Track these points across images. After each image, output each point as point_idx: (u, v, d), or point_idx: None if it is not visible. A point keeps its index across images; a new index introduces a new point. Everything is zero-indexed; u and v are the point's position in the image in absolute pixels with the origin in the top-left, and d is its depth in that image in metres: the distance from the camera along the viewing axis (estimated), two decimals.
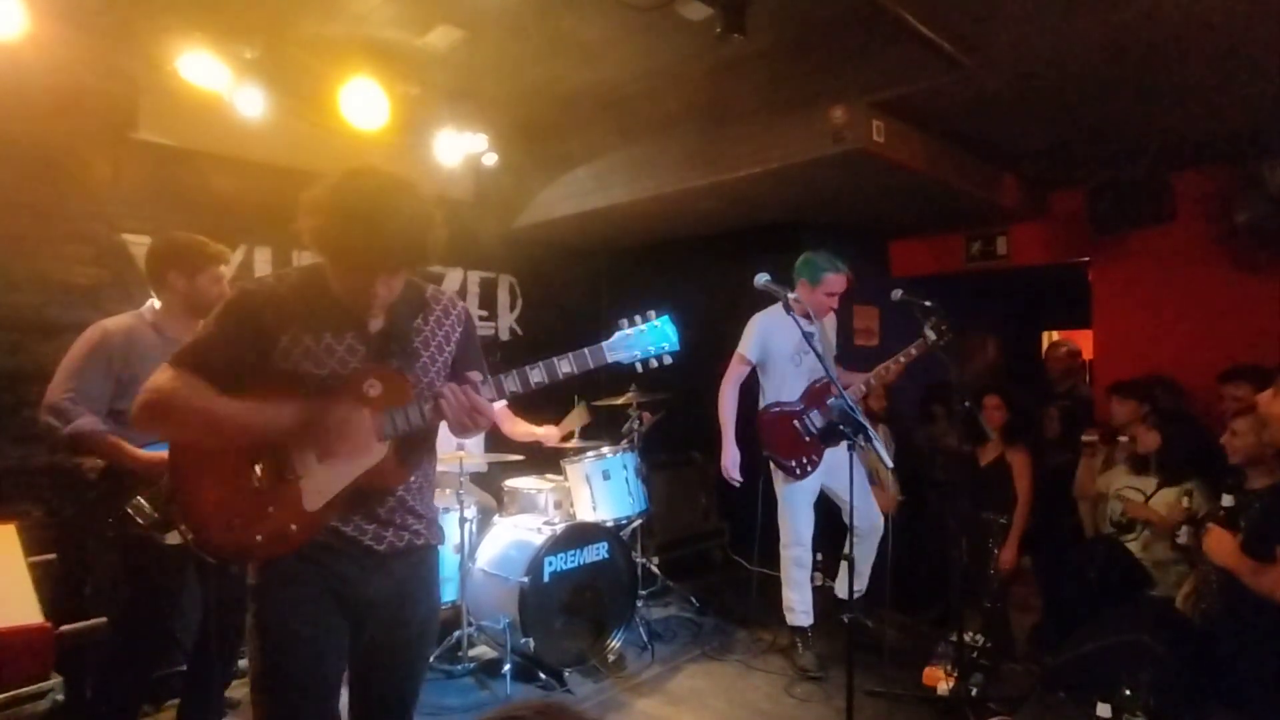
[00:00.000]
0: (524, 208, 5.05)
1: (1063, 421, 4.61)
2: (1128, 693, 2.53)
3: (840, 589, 3.64)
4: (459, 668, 3.44)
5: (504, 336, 5.40)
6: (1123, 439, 3.67)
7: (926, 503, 4.42)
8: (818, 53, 3.36)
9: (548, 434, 3.94)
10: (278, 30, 3.18)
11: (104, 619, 2.87)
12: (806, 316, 3.31)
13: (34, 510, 3.21)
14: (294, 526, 1.55)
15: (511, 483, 4.02)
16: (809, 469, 3.52)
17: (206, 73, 3.17)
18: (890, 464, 2.71)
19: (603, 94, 3.85)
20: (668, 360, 1.75)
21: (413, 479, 1.71)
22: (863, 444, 2.59)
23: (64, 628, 2.78)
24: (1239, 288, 4.34)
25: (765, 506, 3.83)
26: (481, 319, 5.28)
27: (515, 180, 4.83)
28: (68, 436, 2.32)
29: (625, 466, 3.92)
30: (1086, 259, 5.04)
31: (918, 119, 3.74)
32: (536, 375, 1.66)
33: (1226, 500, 2.74)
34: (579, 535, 3.53)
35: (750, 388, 3.69)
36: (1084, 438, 3.85)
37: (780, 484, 3.60)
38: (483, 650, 3.64)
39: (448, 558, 3.55)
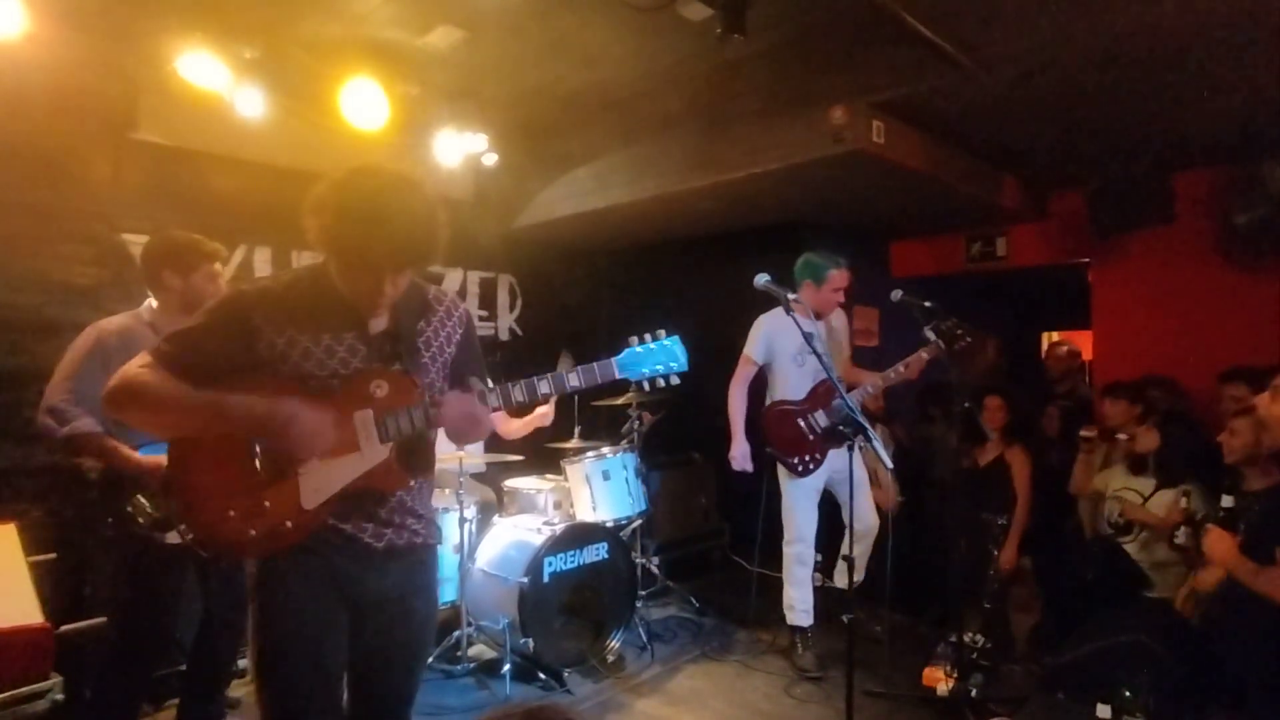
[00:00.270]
0: (524, 208, 5.05)
1: (1062, 421, 4.61)
2: (1127, 694, 2.53)
3: (840, 584, 3.65)
4: (458, 668, 3.44)
5: (504, 337, 5.40)
6: (1121, 437, 3.67)
7: (926, 503, 4.42)
8: (818, 53, 3.36)
9: (545, 413, 3.77)
10: (278, 30, 3.18)
11: (104, 619, 2.87)
12: (814, 316, 3.34)
13: (34, 510, 3.21)
14: (289, 523, 1.54)
15: (511, 483, 4.02)
16: (811, 467, 3.55)
17: (206, 73, 3.17)
18: (890, 464, 2.71)
19: (603, 94, 3.85)
20: (675, 381, 1.77)
21: (415, 484, 1.71)
22: (863, 444, 2.59)
23: (64, 627, 2.79)
24: (1239, 289, 4.33)
25: (766, 507, 3.84)
26: (481, 319, 5.28)
27: (515, 180, 4.83)
28: (65, 438, 2.33)
29: (625, 467, 3.92)
30: (1086, 260, 5.04)
31: (918, 119, 3.74)
32: (544, 387, 1.67)
33: (1226, 501, 2.74)
34: (579, 535, 3.53)
35: (759, 385, 3.74)
36: (1082, 433, 3.84)
37: (784, 480, 3.62)
38: (482, 650, 3.64)
39: (447, 558, 3.55)
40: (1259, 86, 3.23)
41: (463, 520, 3.48)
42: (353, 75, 3.37)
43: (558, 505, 3.87)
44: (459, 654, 3.47)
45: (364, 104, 3.41)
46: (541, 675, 3.34)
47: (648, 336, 1.73)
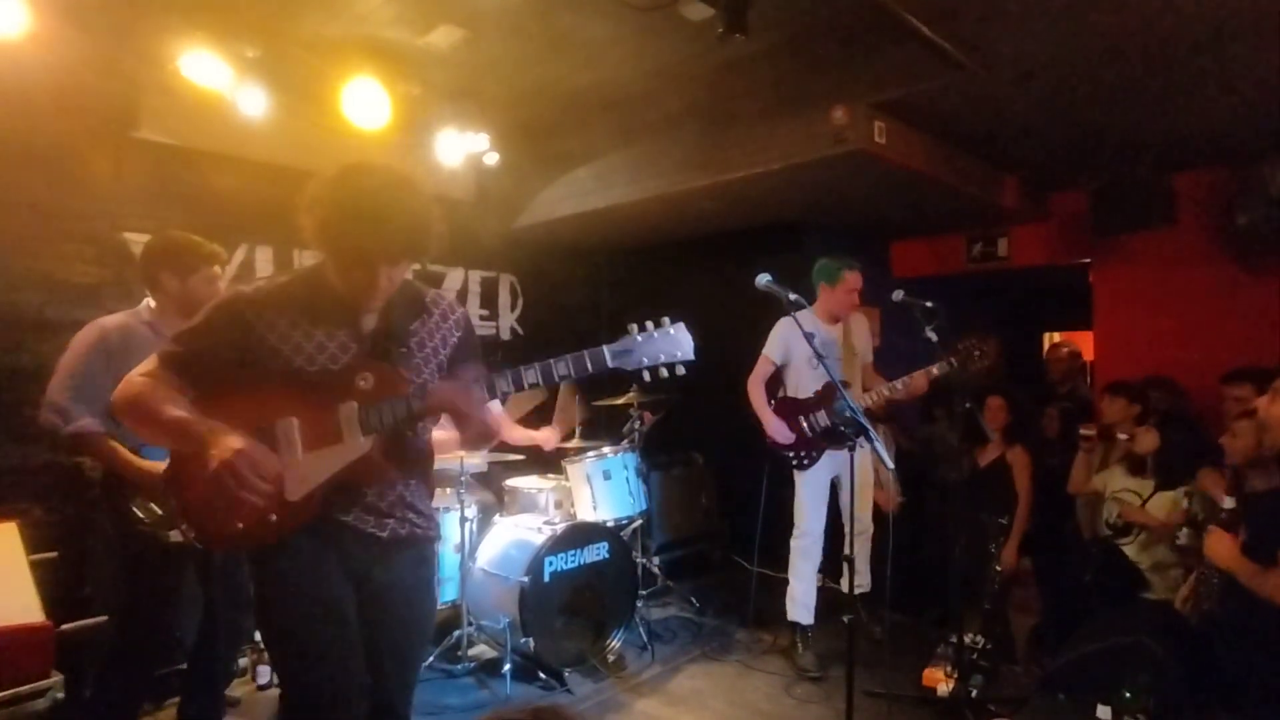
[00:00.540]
0: (525, 207, 5.05)
1: (1063, 422, 4.60)
2: (1127, 695, 2.53)
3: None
4: (459, 667, 3.44)
5: (505, 336, 5.40)
6: (1122, 437, 3.66)
7: (926, 503, 4.42)
8: (819, 53, 3.36)
9: (546, 438, 3.92)
10: (279, 30, 3.18)
11: (104, 617, 2.87)
12: (831, 319, 3.67)
13: (35, 508, 3.21)
14: (274, 516, 1.56)
15: (512, 482, 4.02)
16: (806, 462, 3.66)
17: (208, 72, 3.17)
18: (891, 465, 2.71)
19: (604, 94, 3.85)
20: (680, 371, 1.66)
21: (410, 480, 1.72)
22: (863, 445, 2.59)
23: (64, 626, 2.79)
24: (1240, 290, 4.33)
25: (766, 507, 3.85)
26: (482, 318, 5.28)
27: (516, 180, 4.83)
28: (69, 436, 2.33)
29: (626, 466, 3.92)
30: (1087, 260, 5.03)
31: (919, 120, 3.73)
32: (531, 376, 1.65)
33: (1228, 503, 2.73)
34: (579, 535, 3.53)
35: (771, 384, 3.86)
36: (1081, 431, 3.84)
37: (796, 474, 3.73)
38: (482, 650, 3.64)
39: (448, 557, 3.56)
40: (1260, 87, 3.22)
41: (463, 519, 3.48)
42: (354, 75, 3.37)
43: (558, 505, 3.87)
44: (460, 653, 3.47)
45: (365, 103, 3.41)
46: (542, 675, 3.34)
47: (649, 324, 1.66)
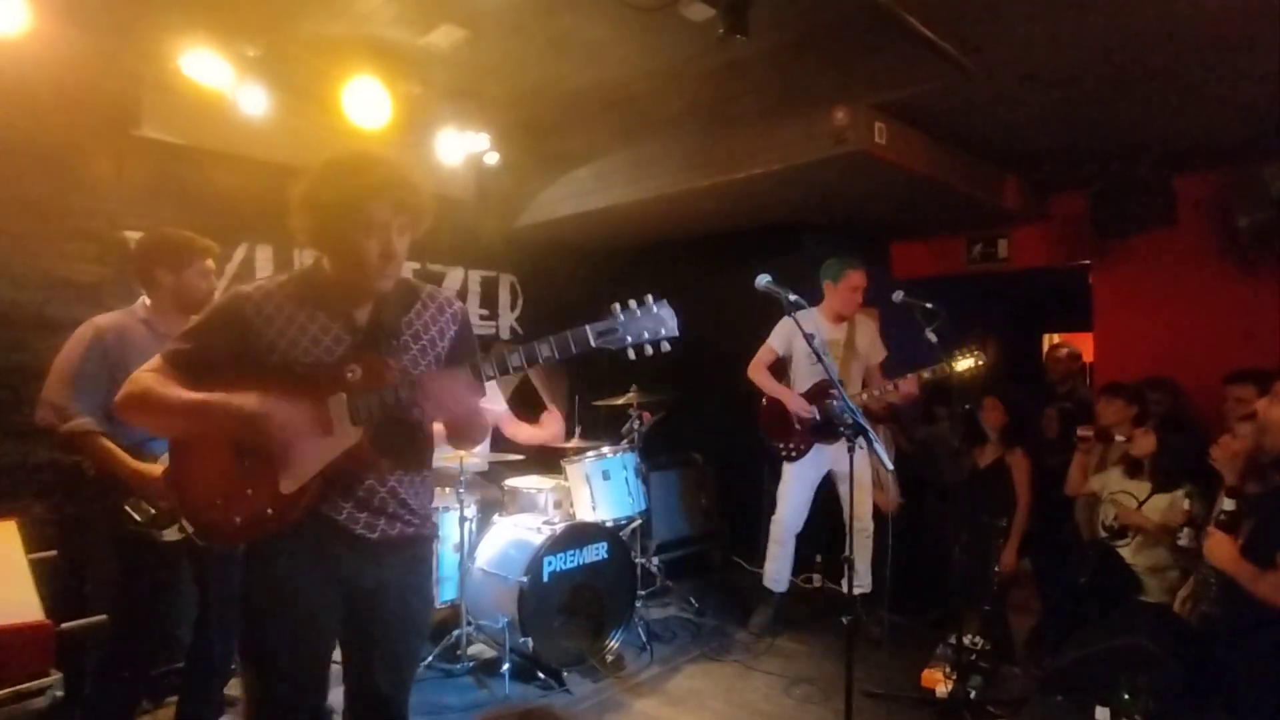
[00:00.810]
0: (525, 207, 5.05)
1: (1062, 424, 4.60)
2: (1126, 696, 2.53)
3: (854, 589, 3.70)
4: (457, 667, 3.44)
5: (505, 335, 5.40)
6: (1120, 438, 3.67)
7: (926, 504, 4.42)
8: (820, 54, 3.36)
9: (551, 431, 3.84)
10: (280, 29, 3.18)
11: (104, 616, 2.87)
12: (835, 318, 3.82)
13: (34, 506, 3.21)
14: (270, 510, 1.59)
15: (512, 482, 4.02)
16: (793, 454, 3.86)
17: (209, 70, 3.17)
18: (890, 466, 2.72)
19: (605, 94, 3.85)
20: (665, 348, 1.65)
21: (405, 475, 1.72)
22: (862, 446, 2.60)
23: (64, 625, 2.79)
24: (1240, 291, 4.33)
25: (767, 508, 3.86)
26: (482, 318, 5.28)
27: (517, 180, 4.83)
28: (65, 434, 2.33)
29: (625, 467, 3.93)
30: (1087, 262, 5.03)
31: (920, 121, 3.74)
32: (515, 360, 1.66)
33: (1227, 504, 2.73)
34: (578, 535, 3.54)
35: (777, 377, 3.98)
36: (1079, 433, 3.85)
37: (785, 464, 3.92)
38: (481, 649, 3.64)
39: (447, 557, 3.56)
40: (1261, 88, 3.22)
41: (463, 519, 3.48)
42: (355, 74, 3.37)
43: (558, 505, 3.87)
44: (458, 653, 3.47)
45: (366, 103, 3.41)
46: (541, 675, 3.34)
47: (632, 302, 1.65)
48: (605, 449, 3.94)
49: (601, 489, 3.83)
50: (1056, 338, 7.19)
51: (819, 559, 4.70)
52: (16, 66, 3.02)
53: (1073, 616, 3.28)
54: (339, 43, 3.27)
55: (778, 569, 3.94)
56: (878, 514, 3.94)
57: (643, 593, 4.07)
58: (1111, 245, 4.67)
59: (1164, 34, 2.79)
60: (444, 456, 3.38)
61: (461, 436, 1.86)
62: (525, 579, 3.25)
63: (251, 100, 3.33)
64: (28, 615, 2.14)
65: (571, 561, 3.47)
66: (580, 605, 3.49)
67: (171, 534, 2.42)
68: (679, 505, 4.99)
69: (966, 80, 3.12)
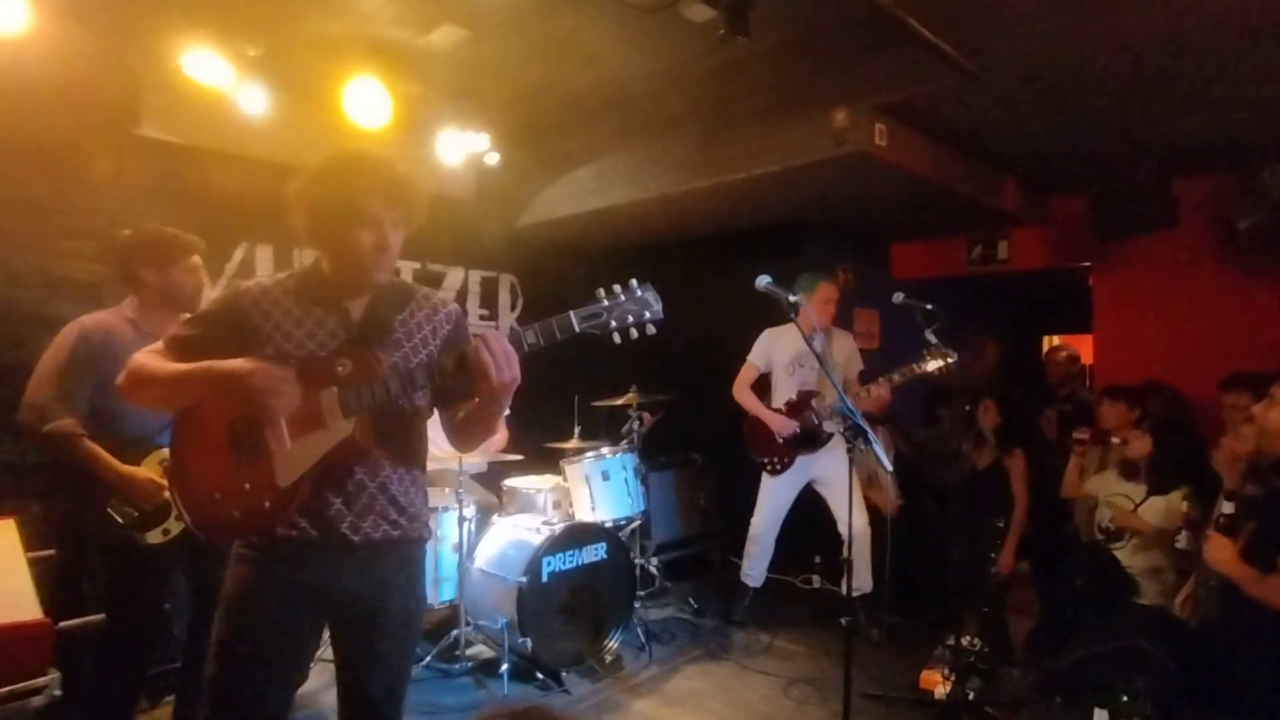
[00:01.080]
0: (526, 207, 5.05)
1: (1061, 425, 4.60)
2: (1125, 698, 2.53)
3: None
4: (456, 667, 3.44)
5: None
6: (1115, 440, 3.67)
7: (925, 506, 4.42)
8: (821, 55, 3.36)
9: (500, 442, 3.92)
10: (281, 28, 3.18)
11: (102, 615, 2.87)
12: (811, 331, 3.73)
13: (33, 505, 3.21)
14: (267, 503, 1.60)
15: (511, 482, 4.02)
16: (778, 468, 3.96)
17: (210, 70, 3.18)
18: (889, 467, 2.72)
19: (605, 94, 3.85)
20: (651, 330, 1.65)
21: (396, 470, 1.72)
22: (862, 447, 2.60)
23: (62, 624, 2.78)
24: (1240, 294, 4.33)
25: None
26: (482, 318, 5.29)
27: (517, 180, 4.83)
28: (45, 435, 2.30)
29: (625, 467, 3.93)
30: (1088, 263, 5.03)
31: (920, 122, 3.74)
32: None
33: (1227, 507, 2.73)
34: (578, 535, 3.53)
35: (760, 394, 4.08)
36: (1075, 435, 3.85)
37: (764, 473, 4.06)
38: (480, 650, 3.64)
39: (446, 557, 3.55)
40: (1261, 91, 3.23)
41: (462, 519, 3.48)
42: (355, 74, 3.38)
43: (557, 505, 3.87)
44: (457, 653, 3.47)
45: (366, 102, 3.42)
46: (539, 675, 3.34)
47: (616, 287, 1.64)
48: (605, 449, 3.94)
49: (601, 489, 3.83)
50: (1056, 339, 7.18)
51: (818, 560, 4.70)
52: (17, 65, 3.02)
53: (1072, 618, 3.28)
54: (339, 42, 3.27)
55: (753, 565, 4.12)
56: (877, 515, 3.94)
57: (642, 593, 4.07)
58: (1111, 247, 4.67)
59: (1164, 36, 2.80)
60: (444, 456, 3.38)
61: (482, 425, 1.79)
62: (524, 579, 3.25)
63: (252, 100, 3.33)
64: (26, 614, 2.13)
65: (570, 562, 3.47)
66: (579, 606, 3.49)
67: (155, 536, 2.40)
68: (678, 506, 4.99)
69: (967, 82, 3.12)
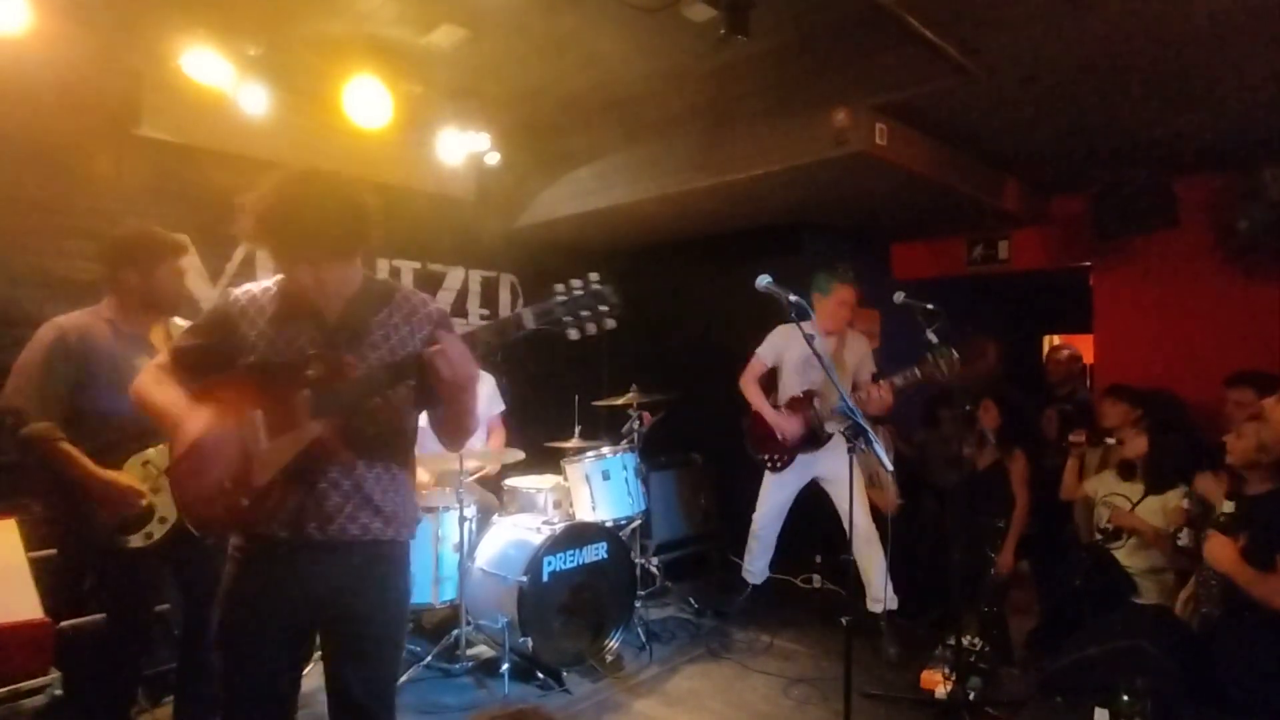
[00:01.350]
0: (526, 207, 5.05)
1: (1061, 425, 4.60)
2: (1125, 698, 2.53)
3: (873, 605, 3.71)
4: (457, 666, 3.44)
5: None
6: (1110, 441, 3.67)
7: (925, 506, 4.42)
8: (821, 55, 3.36)
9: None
10: (281, 28, 3.18)
11: (103, 615, 2.87)
12: (825, 333, 3.75)
13: (34, 505, 3.20)
14: (245, 500, 1.66)
15: (511, 482, 4.02)
16: (778, 465, 3.95)
17: (210, 69, 3.17)
18: (890, 467, 2.72)
19: (606, 94, 3.85)
20: (609, 325, 1.68)
21: (373, 470, 1.73)
22: (863, 447, 2.60)
23: (63, 623, 2.79)
24: (1241, 294, 4.33)
25: None
26: (482, 318, 5.28)
27: (517, 180, 4.83)
28: (22, 439, 2.27)
29: (625, 467, 3.93)
30: (1088, 263, 5.03)
31: (921, 122, 3.74)
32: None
33: (1227, 506, 2.73)
34: (578, 535, 3.53)
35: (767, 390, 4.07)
36: (1071, 438, 3.85)
37: (765, 470, 4.04)
38: (481, 649, 3.64)
39: (447, 557, 3.55)
40: (1262, 91, 3.23)
41: (462, 519, 3.48)
42: (356, 73, 3.37)
43: (557, 505, 3.87)
44: (457, 653, 3.47)
45: (367, 102, 3.41)
46: (540, 675, 3.34)
47: (575, 282, 1.66)
48: (605, 449, 3.94)
49: (601, 489, 3.83)
50: (1057, 339, 7.18)
51: (819, 559, 4.71)
52: (17, 65, 3.03)
53: (1072, 618, 3.28)
54: (340, 42, 3.27)
55: (754, 560, 4.14)
56: (877, 515, 3.93)
57: (642, 593, 4.07)
58: (1112, 247, 4.67)
59: (1165, 37, 2.79)
60: (444, 456, 3.38)
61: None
62: (525, 579, 3.25)
63: (252, 99, 3.33)
64: (27, 613, 2.14)
65: (571, 561, 3.47)
66: (580, 605, 3.49)
67: (137, 540, 2.38)
68: (678, 505, 5.00)
69: (967, 82, 3.12)
